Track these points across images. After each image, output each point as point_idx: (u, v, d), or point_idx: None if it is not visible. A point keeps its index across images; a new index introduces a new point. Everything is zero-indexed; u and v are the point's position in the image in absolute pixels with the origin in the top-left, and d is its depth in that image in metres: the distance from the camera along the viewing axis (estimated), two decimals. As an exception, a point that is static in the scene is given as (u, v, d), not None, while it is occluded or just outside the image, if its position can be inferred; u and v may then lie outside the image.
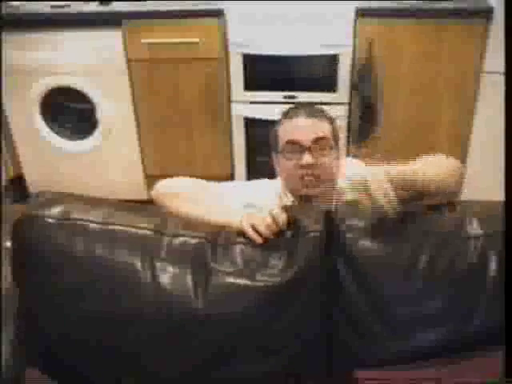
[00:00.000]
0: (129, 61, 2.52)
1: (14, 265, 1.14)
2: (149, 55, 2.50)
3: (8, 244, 1.14)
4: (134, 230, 1.10)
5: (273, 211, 1.07)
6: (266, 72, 2.54)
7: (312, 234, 1.06)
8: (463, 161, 2.56)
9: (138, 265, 1.07)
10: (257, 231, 1.06)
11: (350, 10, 2.36)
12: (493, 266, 1.05)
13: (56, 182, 2.67)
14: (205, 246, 1.08)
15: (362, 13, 2.36)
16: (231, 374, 1.09)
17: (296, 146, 1.30)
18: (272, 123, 1.43)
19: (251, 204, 1.29)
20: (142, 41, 2.46)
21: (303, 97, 2.52)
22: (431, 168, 1.13)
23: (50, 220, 1.10)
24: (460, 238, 1.07)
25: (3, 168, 2.76)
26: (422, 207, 1.15)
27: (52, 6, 2.53)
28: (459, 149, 2.56)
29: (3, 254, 1.18)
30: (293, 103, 2.43)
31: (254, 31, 2.45)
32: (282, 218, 1.07)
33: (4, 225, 1.29)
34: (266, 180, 1.46)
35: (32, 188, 2.86)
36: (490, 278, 1.04)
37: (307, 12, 2.41)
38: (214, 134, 2.67)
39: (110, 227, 1.10)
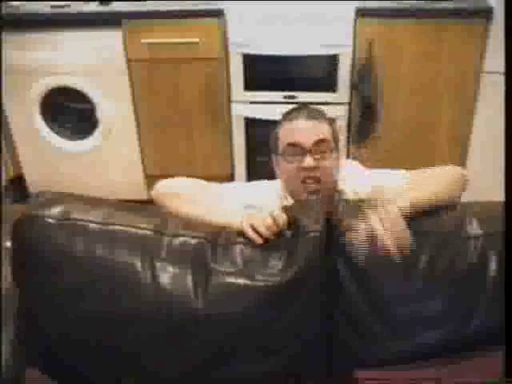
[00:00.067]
0: (129, 61, 2.53)
1: (14, 265, 1.14)
2: (149, 55, 2.50)
3: (8, 244, 1.14)
4: (134, 229, 1.10)
5: (273, 212, 1.07)
6: (265, 72, 2.54)
7: (312, 234, 1.06)
8: (463, 161, 2.56)
9: (138, 265, 1.07)
10: (257, 232, 1.06)
11: (349, 10, 2.36)
12: (493, 266, 1.05)
13: (56, 182, 2.67)
14: (205, 246, 1.08)
15: (361, 13, 2.36)
16: (231, 374, 1.09)
17: (297, 149, 1.29)
18: (272, 123, 1.43)
19: (251, 205, 1.29)
20: (142, 41, 2.46)
21: (303, 97, 2.52)
22: (441, 187, 1.16)
23: (50, 220, 1.10)
24: (460, 238, 1.07)
25: (3, 168, 2.76)
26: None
27: (52, 6, 2.53)
28: (459, 149, 2.57)
29: (3, 254, 1.18)
30: (293, 103, 2.43)
31: (254, 31, 2.45)
32: (283, 218, 1.07)
33: (4, 225, 1.29)
34: (266, 181, 1.46)
35: (32, 188, 2.86)
36: (490, 278, 1.05)
37: (307, 12, 2.41)
38: (214, 134, 2.67)
39: (110, 227, 1.10)
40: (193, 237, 1.10)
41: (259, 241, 1.06)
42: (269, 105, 2.54)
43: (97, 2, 2.57)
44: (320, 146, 1.29)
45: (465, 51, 2.38)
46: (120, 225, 1.11)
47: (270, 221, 1.06)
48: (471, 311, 1.06)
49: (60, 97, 2.62)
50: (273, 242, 1.07)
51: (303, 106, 1.44)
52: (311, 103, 1.80)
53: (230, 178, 2.73)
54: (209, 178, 1.37)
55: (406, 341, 1.09)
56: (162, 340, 1.08)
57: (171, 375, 1.11)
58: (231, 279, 1.05)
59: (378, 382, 1.07)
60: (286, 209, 1.13)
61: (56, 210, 1.11)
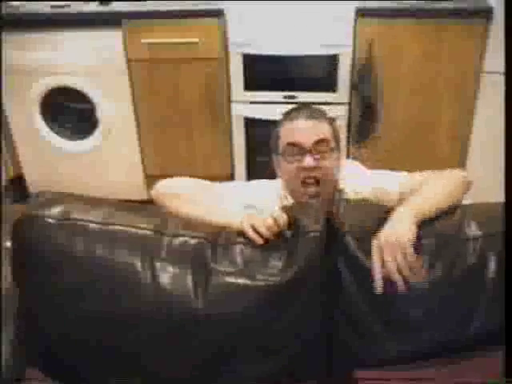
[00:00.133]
0: (129, 61, 2.52)
1: (14, 265, 1.14)
2: (149, 55, 2.50)
3: (8, 244, 1.14)
4: (134, 229, 1.10)
5: (274, 213, 1.07)
6: (265, 72, 2.53)
7: (312, 234, 1.06)
8: (463, 161, 2.56)
9: (138, 265, 1.07)
10: (257, 232, 1.06)
11: (349, 10, 2.36)
12: (492, 266, 1.05)
13: (56, 182, 2.67)
14: (205, 246, 1.08)
15: (361, 13, 2.35)
16: (231, 374, 1.09)
17: (297, 149, 1.29)
18: (272, 123, 1.43)
19: (251, 205, 1.29)
20: (142, 41, 2.46)
21: (303, 97, 2.52)
22: (445, 197, 1.16)
23: (50, 220, 1.10)
24: (459, 239, 1.07)
25: (3, 168, 2.76)
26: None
27: (52, 6, 2.53)
28: (459, 149, 2.57)
29: (3, 254, 1.18)
30: (293, 103, 2.43)
31: (254, 31, 2.45)
32: (283, 219, 1.07)
33: (4, 225, 1.29)
34: (267, 181, 1.46)
35: (32, 188, 2.86)
36: (490, 279, 1.05)
37: (307, 12, 2.41)
38: (214, 134, 2.67)
39: (110, 227, 1.10)
40: (193, 237, 1.10)
41: (260, 241, 1.06)
42: (269, 105, 2.54)
43: (97, 2, 2.56)
44: (320, 146, 1.29)
45: (465, 51, 2.38)
46: (120, 225, 1.11)
47: (270, 221, 1.06)
48: (471, 311, 1.06)
49: (60, 97, 2.62)
50: (273, 242, 1.07)
51: (304, 105, 1.44)
52: (311, 103, 1.81)
53: (230, 177, 2.73)
54: (209, 178, 1.37)
55: (406, 341, 1.09)
56: (162, 340, 1.08)
57: (171, 375, 1.11)
58: (231, 279, 1.05)
59: (378, 382, 1.08)
60: (286, 209, 1.13)
61: (56, 210, 1.11)
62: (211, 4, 2.46)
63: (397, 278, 0.98)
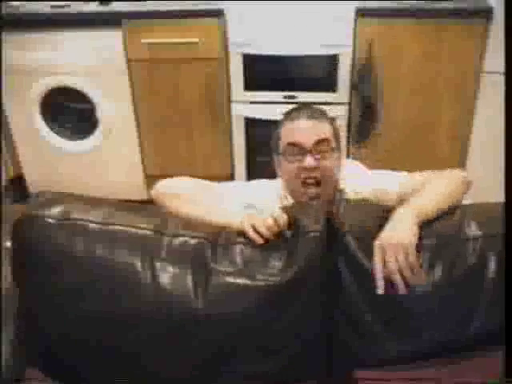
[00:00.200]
0: (129, 61, 2.52)
1: (14, 265, 1.14)
2: (149, 55, 2.50)
3: (8, 244, 1.14)
4: (134, 229, 1.10)
5: (274, 213, 1.07)
6: (265, 72, 2.53)
7: (312, 234, 1.06)
8: (463, 161, 2.56)
9: (138, 265, 1.07)
10: (258, 232, 1.06)
11: (349, 10, 2.36)
12: (492, 267, 1.05)
13: (56, 182, 2.67)
14: (205, 246, 1.08)
15: (361, 13, 2.35)
16: (231, 374, 1.09)
17: (297, 149, 1.29)
18: (272, 123, 1.43)
19: (251, 205, 1.29)
20: (142, 41, 2.46)
21: (303, 97, 2.52)
22: (446, 198, 1.16)
23: (50, 220, 1.10)
24: (459, 239, 1.07)
25: (3, 168, 2.76)
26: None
27: (52, 6, 2.53)
28: (459, 149, 2.57)
29: (3, 253, 1.18)
30: (293, 103, 2.43)
31: (254, 31, 2.45)
32: (283, 219, 1.07)
33: (4, 225, 1.29)
34: (267, 181, 1.46)
35: (32, 188, 2.86)
36: (490, 279, 1.04)
37: (307, 12, 2.41)
38: (214, 134, 2.67)
39: (110, 227, 1.10)
40: (193, 237, 1.10)
41: (260, 241, 1.06)
42: (269, 105, 2.54)
43: (97, 2, 2.56)
44: (321, 146, 1.29)
45: (465, 51, 2.38)
46: (120, 225, 1.11)
47: (270, 221, 1.06)
48: (471, 311, 1.05)
49: (60, 97, 2.62)
50: (273, 242, 1.07)
51: (304, 105, 1.44)
52: (311, 103, 1.80)
53: (230, 177, 2.73)
54: (209, 178, 1.37)
55: (406, 341, 1.09)
56: (162, 340, 1.08)
57: (171, 375, 1.11)
58: (231, 279, 1.05)
59: (378, 382, 1.08)
60: (286, 209, 1.13)
61: (56, 210, 1.11)
62: (211, 4, 2.46)
63: (398, 278, 0.98)
